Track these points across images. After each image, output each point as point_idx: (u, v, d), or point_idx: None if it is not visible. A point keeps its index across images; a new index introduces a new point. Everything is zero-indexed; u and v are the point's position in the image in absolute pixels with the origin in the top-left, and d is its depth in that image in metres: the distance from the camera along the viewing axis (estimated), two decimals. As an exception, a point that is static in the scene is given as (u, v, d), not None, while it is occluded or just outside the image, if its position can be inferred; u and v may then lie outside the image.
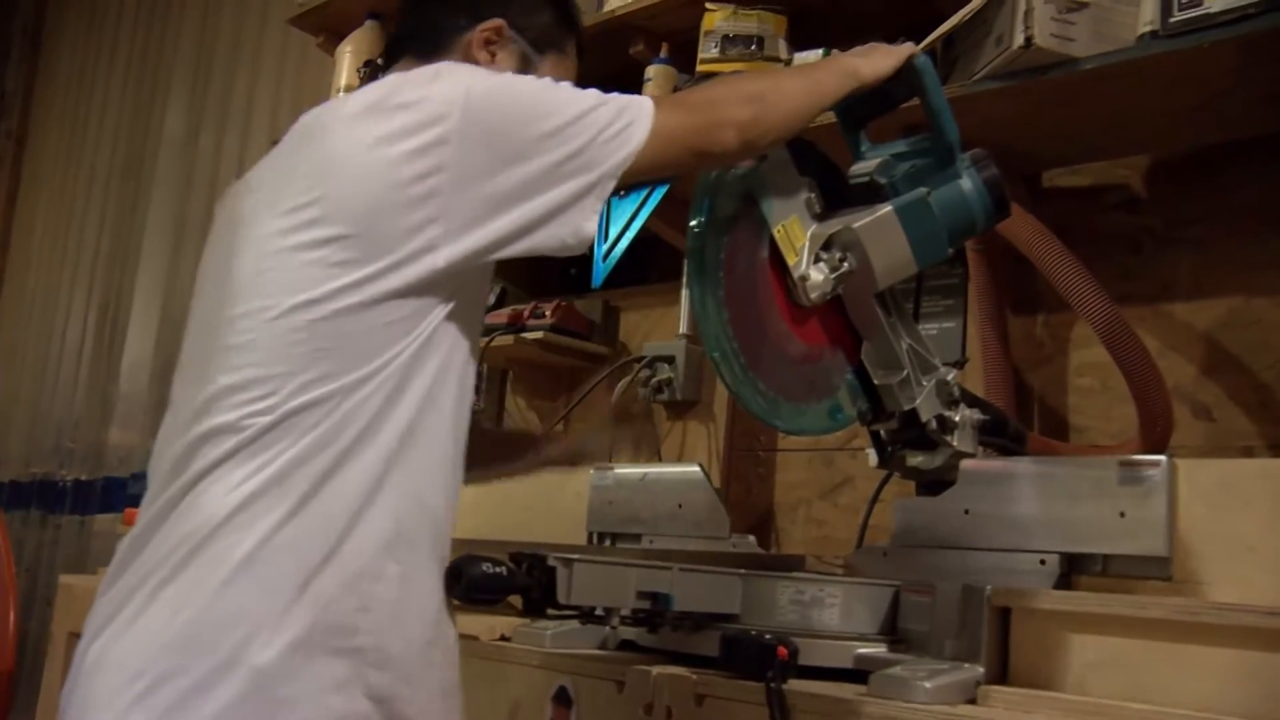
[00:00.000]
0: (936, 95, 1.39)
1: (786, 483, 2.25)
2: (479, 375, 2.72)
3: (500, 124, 1.09)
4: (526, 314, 2.49)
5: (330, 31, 3.00)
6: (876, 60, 1.36)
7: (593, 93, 1.16)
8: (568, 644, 1.38)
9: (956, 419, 1.44)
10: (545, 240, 1.11)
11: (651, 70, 2.29)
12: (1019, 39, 1.60)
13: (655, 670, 1.24)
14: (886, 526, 1.62)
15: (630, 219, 2.25)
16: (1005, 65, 1.65)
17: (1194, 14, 1.49)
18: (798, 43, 2.07)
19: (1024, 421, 1.92)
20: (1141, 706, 1.07)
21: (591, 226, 1.13)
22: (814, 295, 1.33)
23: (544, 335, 2.45)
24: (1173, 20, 1.51)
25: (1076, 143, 1.90)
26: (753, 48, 2.09)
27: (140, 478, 3.68)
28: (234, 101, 4.17)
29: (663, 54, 2.30)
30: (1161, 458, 1.29)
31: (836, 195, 1.40)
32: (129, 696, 0.99)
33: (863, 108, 1.44)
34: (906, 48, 1.39)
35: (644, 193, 2.22)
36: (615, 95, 1.17)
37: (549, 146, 1.10)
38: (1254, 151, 1.80)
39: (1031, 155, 1.95)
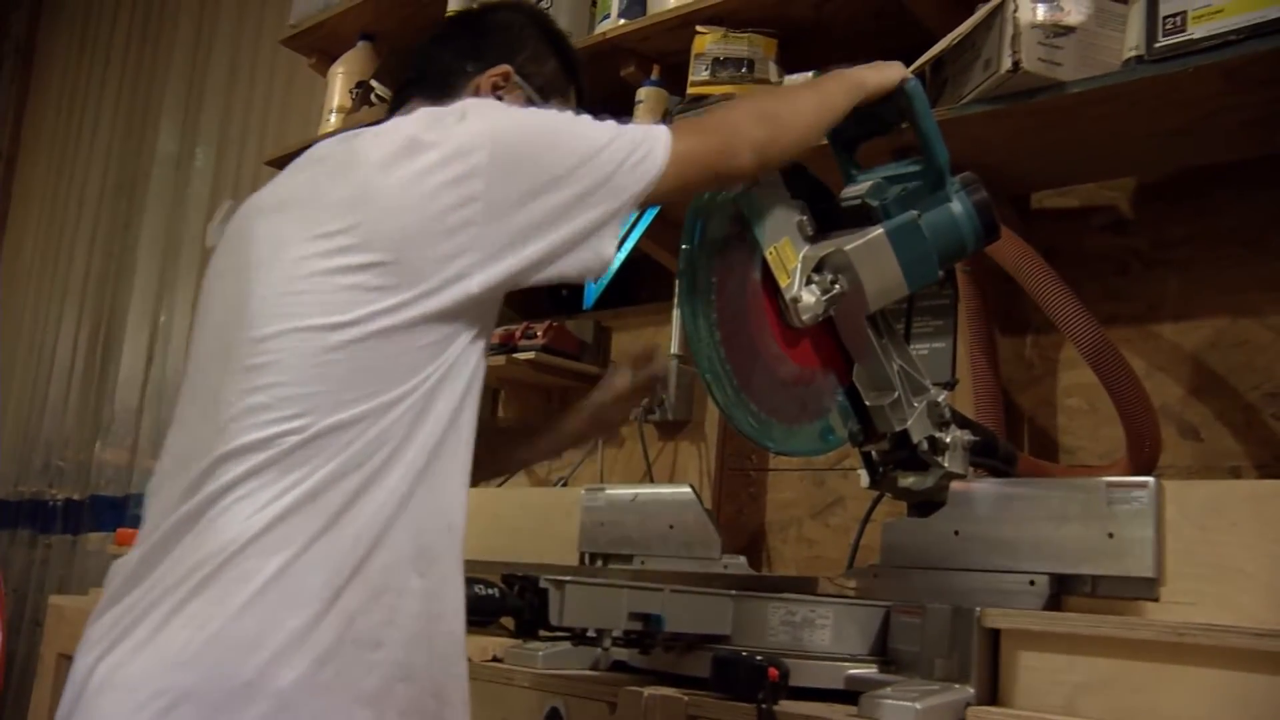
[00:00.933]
0: (927, 119, 1.40)
1: (778, 502, 2.26)
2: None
3: (529, 156, 1.13)
4: (518, 334, 2.49)
5: (322, 52, 3.02)
6: (883, 70, 1.39)
7: (611, 124, 1.19)
8: (560, 665, 1.38)
9: (948, 440, 1.44)
10: (571, 266, 1.16)
11: (642, 92, 2.30)
12: (1007, 63, 1.61)
13: (647, 691, 1.24)
14: (877, 547, 1.62)
15: (622, 239, 2.26)
16: (993, 88, 1.67)
17: (1178, 39, 1.51)
18: (788, 65, 2.09)
19: (1013, 441, 1.93)
20: (1129, 727, 1.08)
21: (612, 251, 1.18)
22: (806, 317, 1.34)
23: (535, 355, 2.46)
24: (1157, 45, 1.53)
25: (1064, 165, 1.92)
26: (743, 70, 2.10)
27: (137, 498, 3.67)
28: (227, 121, 4.18)
29: (654, 76, 2.31)
30: (1149, 479, 1.30)
31: (828, 218, 1.41)
32: (145, 716, 0.98)
33: (854, 130, 1.45)
34: (898, 68, 1.41)
35: (634, 215, 2.23)
36: (632, 125, 1.21)
37: (576, 177, 1.14)
38: (1237, 175, 1.82)
39: (1020, 177, 1.96)
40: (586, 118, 1.20)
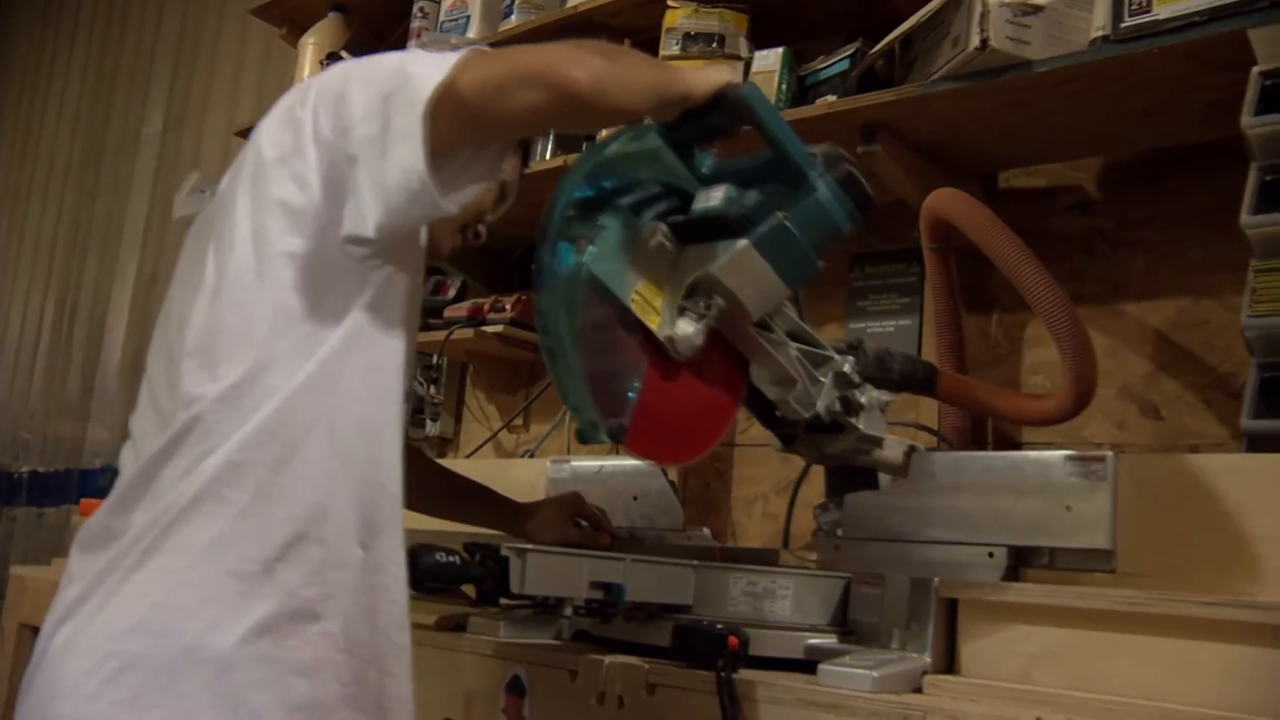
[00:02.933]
0: (773, 123, 1.24)
1: (744, 478, 2.27)
2: (438, 369, 2.73)
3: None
4: (486, 308, 2.49)
5: (293, 23, 3.00)
6: (704, 76, 1.23)
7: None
8: (521, 634, 1.39)
9: (863, 400, 1.41)
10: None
11: (613, 67, 2.29)
12: (975, 41, 1.62)
13: (608, 660, 1.25)
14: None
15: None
16: (961, 66, 1.67)
17: (1143, 20, 1.52)
18: (758, 41, 2.09)
19: (978, 424, 1.95)
20: (1084, 695, 1.10)
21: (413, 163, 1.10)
22: (685, 350, 1.26)
23: (504, 329, 2.46)
24: (1123, 25, 1.54)
25: (1031, 144, 1.93)
26: (714, 45, 2.10)
27: (109, 470, 3.65)
28: (196, 93, 4.15)
29: (625, 51, 2.30)
30: (1108, 453, 1.32)
31: (688, 230, 1.29)
32: (99, 678, 1.01)
33: (692, 133, 1.28)
34: (722, 74, 1.24)
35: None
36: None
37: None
38: (1201, 157, 1.84)
39: (987, 156, 1.98)
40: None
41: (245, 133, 3.06)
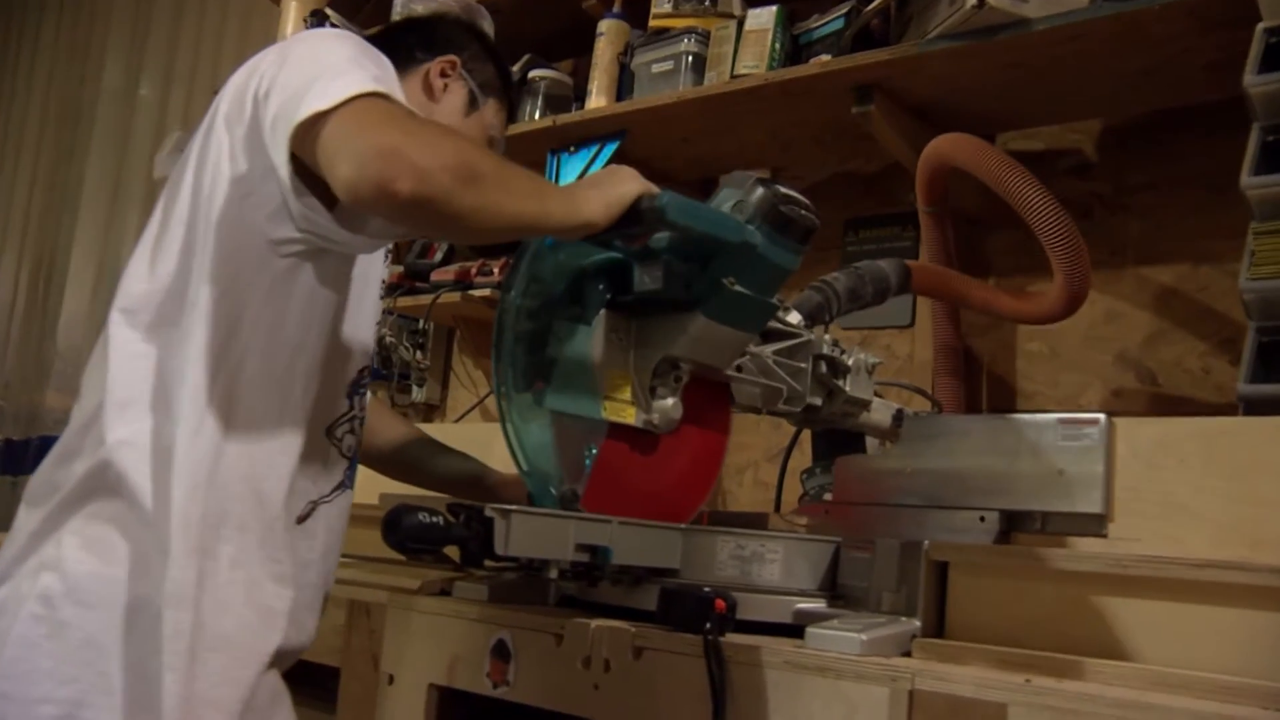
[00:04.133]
0: (698, 224, 1.18)
1: (734, 445, 2.27)
2: (424, 333, 2.73)
3: None
4: (474, 271, 2.49)
5: (275, -20, 2.99)
6: (613, 191, 1.15)
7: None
8: (506, 598, 1.40)
9: (850, 362, 1.44)
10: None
11: (604, 25, 2.30)
12: (972, -2, 1.62)
13: (594, 623, 1.26)
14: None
15: (580, 175, 2.26)
16: (958, 25, 1.68)
17: (1145, -24, 1.52)
18: (752, -1, 2.09)
19: (972, 385, 1.96)
20: (1074, 658, 1.11)
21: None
22: (668, 425, 1.30)
23: (492, 292, 2.46)
24: (1124, -18, 1.55)
25: (1030, 105, 1.94)
26: (706, 3, 2.10)
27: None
28: (177, 51, 4.12)
29: (615, 8, 2.31)
30: (1100, 416, 1.33)
31: (637, 305, 1.28)
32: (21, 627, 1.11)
33: (604, 241, 1.22)
34: (629, 188, 1.16)
35: (593, 150, 2.23)
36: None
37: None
38: (1201, 119, 1.84)
39: (985, 117, 1.98)
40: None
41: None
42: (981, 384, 2.01)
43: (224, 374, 1.14)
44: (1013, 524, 1.36)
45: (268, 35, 3.34)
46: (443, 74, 1.46)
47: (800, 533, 1.47)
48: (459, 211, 1.01)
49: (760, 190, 1.23)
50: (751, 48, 2.01)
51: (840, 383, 1.44)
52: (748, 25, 2.04)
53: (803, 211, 1.25)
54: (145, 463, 1.12)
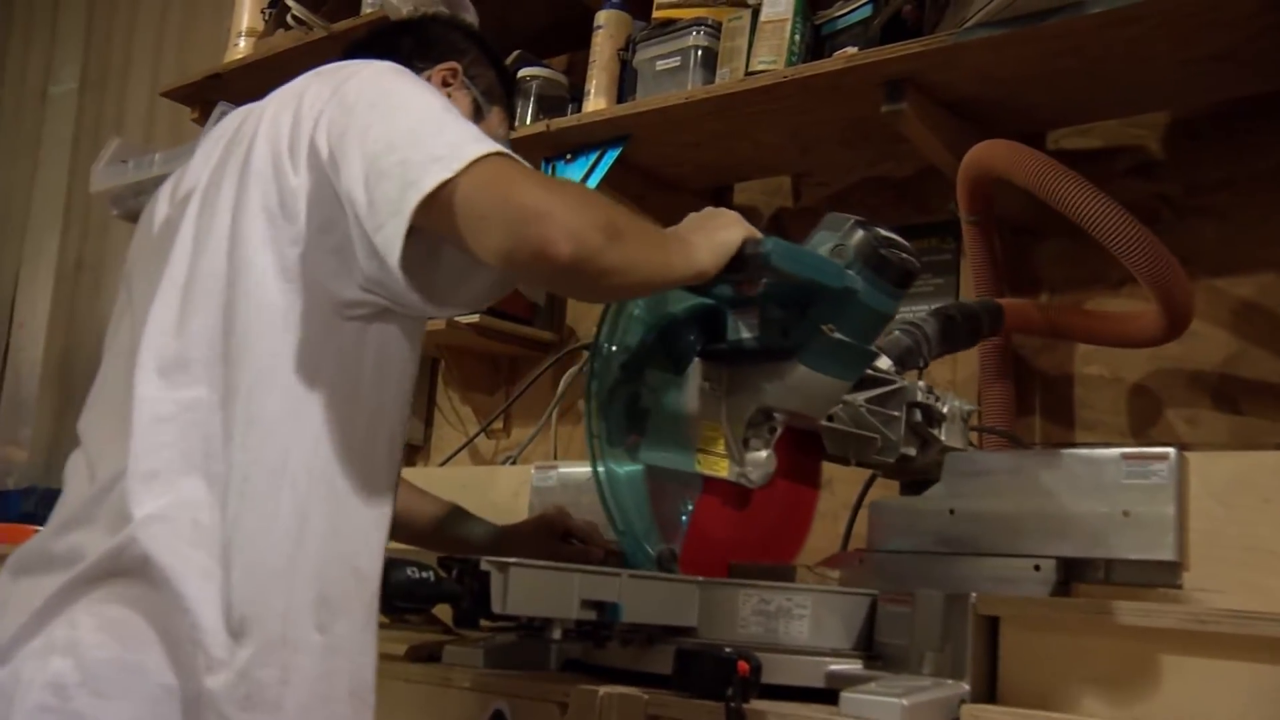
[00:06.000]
0: (801, 271, 1.31)
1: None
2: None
3: None
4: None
5: (225, -36, 3.03)
6: (719, 235, 1.27)
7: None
8: (504, 662, 1.42)
9: (945, 410, 1.50)
10: None
11: (603, 16, 2.33)
12: (1016, -20, 1.64)
13: (602, 690, 1.28)
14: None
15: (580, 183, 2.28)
16: (1001, 10, 1.69)
17: (1214, -52, 1.54)
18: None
19: (1025, 412, 1.98)
20: (1142, 726, 1.12)
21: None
22: (762, 478, 1.42)
23: (479, 319, 2.49)
24: (1190, -43, 1.56)
25: (1083, 99, 1.95)
26: (721, -12, 2.13)
27: (36, 492, 3.64)
28: (111, 47, 4.14)
29: (617, -2, 2.33)
30: (1170, 449, 1.35)
31: (731, 355, 1.41)
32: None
33: (706, 292, 1.37)
34: (734, 233, 1.28)
35: (592, 157, 2.26)
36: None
37: None
38: (1282, 109, 1.86)
39: (1032, 113, 2.00)
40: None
41: (172, 94, 3.11)
42: (1035, 413, 2.02)
43: (300, 445, 1.15)
44: (1072, 573, 1.38)
45: (216, 28, 3.37)
46: (444, 84, 1.51)
47: (832, 585, 1.49)
48: (606, 269, 1.11)
49: (860, 233, 1.34)
50: (768, 40, 2.03)
51: (935, 431, 1.50)
52: (764, 15, 2.05)
53: (904, 255, 1.35)
54: (183, 541, 1.11)
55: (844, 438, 1.46)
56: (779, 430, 1.40)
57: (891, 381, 1.49)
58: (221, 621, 1.10)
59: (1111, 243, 1.65)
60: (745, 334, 1.36)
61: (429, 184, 1.07)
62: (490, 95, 1.56)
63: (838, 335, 1.33)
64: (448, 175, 1.07)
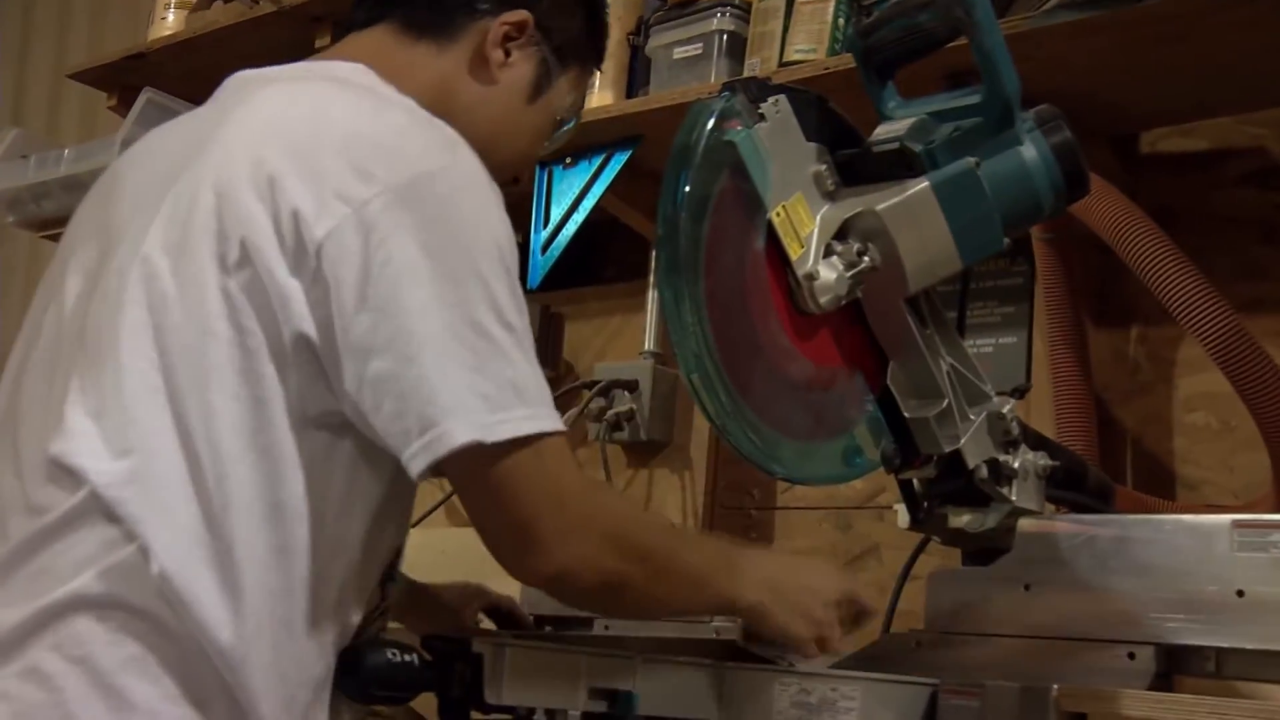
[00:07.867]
0: (990, 33, 1.40)
1: (789, 550, 2.30)
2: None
3: None
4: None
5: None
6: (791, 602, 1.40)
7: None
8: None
9: (1016, 465, 1.49)
10: None
11: (613, -4, 2.34)
12: (1106, -47, 1.65)
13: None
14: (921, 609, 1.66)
15: (579, 197, 2.28)
16: (1086, -11, 1.71)
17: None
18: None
19: (1111, 470, 1.98)
20: None
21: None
22: (824, 300, 1.39)
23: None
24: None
25: (1184, 93, 1.96)
26: (756, -33, 2.13)
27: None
28: (7, 23, 4.17)
29: (628, -21, 2.34)
30: (1291, 517, 1.35)
31: (855, 168, 1.46)
32: None
33: (892, 49, 1.50)
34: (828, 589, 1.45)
35: (596, 163, 2.25)
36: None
37: None
38: None
39: (1122, 110, 2.02)
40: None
41: (82, 76, 3.09)
42: (1125, 469, 2.02)
43: (230, 563, 1.15)
44: (1174, 664, 1.38)
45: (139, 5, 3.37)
46: (505, 39, 1.43)
47: (884, 671, 1.49)
48: (629, 603, 1.27)
49: (1049, 107, 1.44)
50: (806, 25, 2.04)
51: (1005, 490, 1.49)
52: (801, -6, 2.06)
53: (1082, 158, 1.43)
54: None
55: (916, 370, 1.45)
56: (864, 265, 1.39)
57: (983, 382, 1.50)
58: None
59: (1212, 346, 1.71)
60: (892, 132, 1.44)
61: (458, 440, 1.11)
62: (566, 52, 1.49)
63: (980, 173, 1.38)
64: (485, 439, 1.12)
